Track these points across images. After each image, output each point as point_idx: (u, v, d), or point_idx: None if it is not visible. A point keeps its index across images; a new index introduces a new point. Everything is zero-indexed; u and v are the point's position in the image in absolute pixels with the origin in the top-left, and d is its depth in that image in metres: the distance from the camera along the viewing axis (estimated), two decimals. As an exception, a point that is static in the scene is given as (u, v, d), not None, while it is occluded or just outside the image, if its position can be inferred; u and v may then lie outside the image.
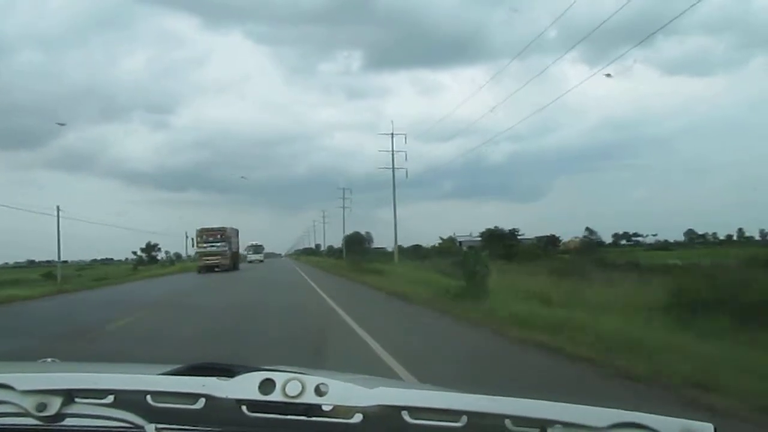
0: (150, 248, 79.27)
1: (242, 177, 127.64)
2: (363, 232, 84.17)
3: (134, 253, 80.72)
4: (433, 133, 79.09)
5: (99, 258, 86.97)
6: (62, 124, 79.96)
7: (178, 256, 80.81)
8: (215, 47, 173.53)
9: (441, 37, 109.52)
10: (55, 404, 1.13)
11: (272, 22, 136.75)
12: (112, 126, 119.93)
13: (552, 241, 67.67)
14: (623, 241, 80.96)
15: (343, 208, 68.62)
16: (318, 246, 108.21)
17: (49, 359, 1.55)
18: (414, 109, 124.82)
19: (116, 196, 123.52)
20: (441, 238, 68.64)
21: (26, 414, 1.12)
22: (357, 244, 74.75)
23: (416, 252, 61.18)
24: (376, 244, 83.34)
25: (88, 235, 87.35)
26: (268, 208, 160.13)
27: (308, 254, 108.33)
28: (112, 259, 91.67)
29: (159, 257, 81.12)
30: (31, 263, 71.07)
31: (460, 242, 67.66)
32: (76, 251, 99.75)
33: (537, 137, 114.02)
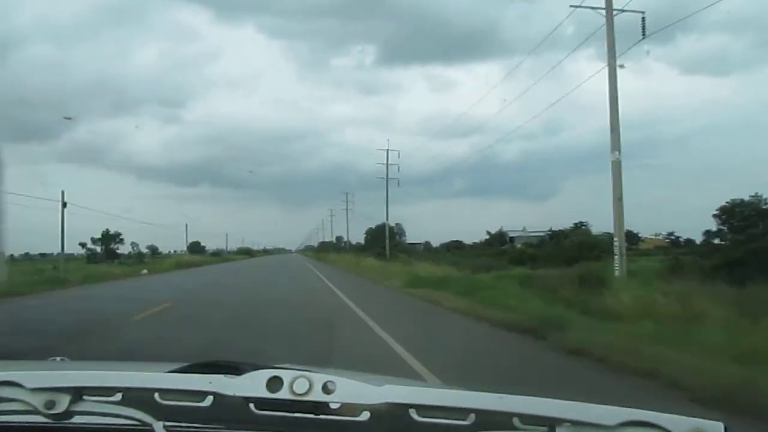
0: (108, 239, 54.88)
1: (251, 171, 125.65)
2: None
3: (82, 245, 54.74)
4: (448, 130, 75.83)
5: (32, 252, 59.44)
6: (69, 118, 72.54)
7: (153, 249, 63.54)
8: (228, 41, 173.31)
9: (455, 32, 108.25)
10: (63, 402, 1.14)
11: (285, 15, 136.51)
12: (123, 120, 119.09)
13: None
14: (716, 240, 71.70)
15: (386, 178, 48.40)
16: (339, 239, 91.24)
17: (57, 358, 1.56)
18: (426, 105, 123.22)
19: (126, 189, 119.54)
20: (488, 233, 63.22)
21: (35, 411, 1.13)
22: (387, 238, 67.84)
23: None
24: (408, 239, 74.30)
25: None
26: (278, 204, 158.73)
27: (329, 251, 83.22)
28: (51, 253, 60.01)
29: (124, 251, 56.49)
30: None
31: (512, 238, 61.93)
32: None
33: (551, 135, 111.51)
